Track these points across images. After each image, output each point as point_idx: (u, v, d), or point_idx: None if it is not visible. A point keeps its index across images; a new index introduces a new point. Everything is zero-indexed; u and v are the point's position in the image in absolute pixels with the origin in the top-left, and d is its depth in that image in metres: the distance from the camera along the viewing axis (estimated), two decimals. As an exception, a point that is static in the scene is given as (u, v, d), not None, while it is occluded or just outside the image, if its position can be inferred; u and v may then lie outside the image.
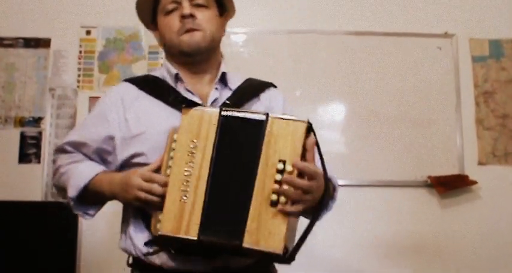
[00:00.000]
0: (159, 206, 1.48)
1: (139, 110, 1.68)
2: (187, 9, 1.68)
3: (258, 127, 1.48)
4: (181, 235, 1.44)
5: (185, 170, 1.47)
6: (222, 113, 1.50)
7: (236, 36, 3.70)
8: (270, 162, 1.45)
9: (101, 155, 1.72)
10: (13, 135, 3.54)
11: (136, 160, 1.62)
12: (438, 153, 3.63)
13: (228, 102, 1.67)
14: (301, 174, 1.42)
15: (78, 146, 1.73)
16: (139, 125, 1.64)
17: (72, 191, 1.63)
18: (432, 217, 3.60)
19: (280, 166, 1.44)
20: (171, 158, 1.50)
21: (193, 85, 1.74)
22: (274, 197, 1.43)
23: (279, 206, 1.41)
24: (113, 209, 3.38)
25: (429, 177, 3.57)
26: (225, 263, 1.57)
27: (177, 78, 1.73)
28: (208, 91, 1.73)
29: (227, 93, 1.74)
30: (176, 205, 1.46)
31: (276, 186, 1.42)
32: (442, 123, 3.67)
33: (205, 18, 1.72)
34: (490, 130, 3.69)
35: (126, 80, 1.80)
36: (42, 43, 3.64)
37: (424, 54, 3.73)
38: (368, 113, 3.64)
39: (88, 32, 3.66)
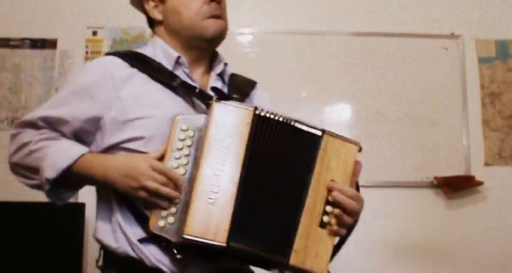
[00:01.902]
0: (165, 202, 1.36)
1: (135, 91, 1.50)
2: None
3: (311, 141, 1.43)
4: (209, 240, 1.32)
5: (215, 169, 1.36)
6: (257, 112, 1.41)
7: (242, 37, 3.71)
8: (321, 181, 1.41)
9: (79, 136, 1.53)
10: (19, 135, 3.53)
11: (130, 145, 1.47)
12: (444, 154, 3.63)
13: (235, 96, 1.53)
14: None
15: (54, 124, 1.51)
16: (138, 108, 1.48)
17: (51, 172, 1.40)
18: (438, 217, 3.60)
19: None
20: (178, 149, 1.38)
21: (191, 70, 1.62)
22: (325, 218, 1.40)
23: (332, 228, 1.40)
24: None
25: (435, 178, 3.57)
26: (223, 265, 1.47)
27: (178, 62, 1.60)
28: (205, 80, 1.63)
29: (224, 86, 1.66)
30: (203, 206, 1.34)
31: (329, 207, 1.41)
32: (448, 123, 3.67)
33: (225, 7, 1.64)
34: (496, 131, 3.68)
35: (112, 54, 1.59)
36: (48, 44, 3.64)
37: (430, 55, 3.73)
38: (374, 114, 3.64)
39: (94, 33, 3.66)
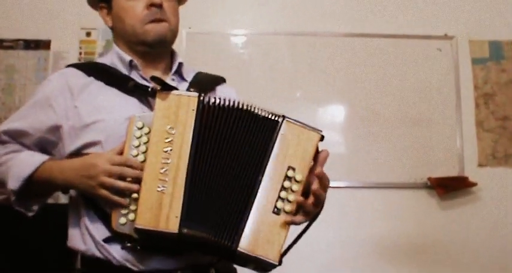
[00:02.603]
0: (127, 195, 1.37)
1: (91, 97, 1.54)
2: None
3: (269, 127, 1.43)
4: (161, 228, 1.32)
5: (162, 158, 1.36)
6: (201, 98, 1.43)
7: (236, 38, 3.71)
8: (278, 166, 1.40)
9: (43, 147, 1.57)
10: (13, 136, 3.53)
11: (89, 150, 1.48)
12: (438, 155, 3.63)
13: (192, 90, 1.54)
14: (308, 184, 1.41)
15: (17, 136, 1.56)
16: (93, 113, 1.51)
17: (14, 183, 1.46)
18: (432, 218, 3.60)
19: (290, 173, 1.40)
20: (135, 147, 1.39)
21: (147, 73, 1.63)
22: (279, 204, 1.38)
23: (285, 216, 1.38)
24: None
25: (429, 178, 3.57)
26: (191, 260, 1.47)
27: (131, 65, 1.63)
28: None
29: (184, 84, 1.66)
30: (153, 195, 1.34)
31: (284, 193, 1.39)
32: (442, 124, 3.67)
33: (171, 9, 1.63)
34: (490, 132, 3.69)
35: (70, 65, 1.66)
36: (42, 44, 3.64)
37: (424, 56, 3.73)
38: (368, 114, 3.64)
39: (88, 34, 3.66)
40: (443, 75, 3.72)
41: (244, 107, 1.44)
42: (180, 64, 1.70)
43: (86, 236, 1.48)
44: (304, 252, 3.41)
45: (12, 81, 3.60)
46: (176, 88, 1.47)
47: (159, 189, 1.34)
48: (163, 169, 1.35)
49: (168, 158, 1.36)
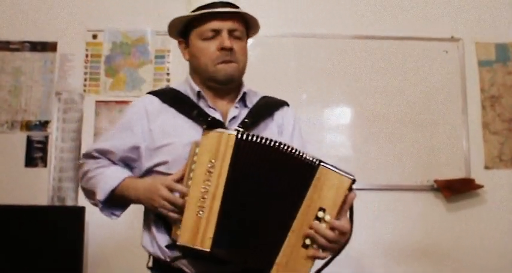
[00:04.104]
0: (179, 217, 1.58)
1: (163, 122, 1.80)
2: (228, 42, 1.76)
3: (306, 169, 1.58)
4: (197, 246, 1.53)
5: (202, 188, 1.55)
6: (239, 136, 1.57)
7: (242, 40, 3.70)
8: (312, 206, 1.57)
9: (126, 162, 1.85)
10: (19, 138, 3.54)
11: (159, 168, 1.76)
12: (444, 157, 3.63)
13: (246, 120, 1.77)
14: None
15: (105, 153, 1.85)
16: (164, 137, 1.77)
17: (101, 195, 1.76)
18: (438, 220, 3.60)
19: (321, 213, 1.57)
20: (192, 170, 1.58)
21: (215, 102, 1.85)
22: (308, 241, 1.56)
23: (312, 251, 1.56)
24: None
25: (435, 181, 3.57)
26: (236, 268, 1.64)
27: (199, 95, 1.84)
28: (228, 109, 1.85)
29: (245, 112, 1.85)
30: (193, 218, 1.55)
31: (312, 231, 1.56)
32: (448, 126, 3.67)
33: (240, 50, 1.82)
34: (496, 134, 3.68)
35: (149, 93, 1.92)
36: (48, 47, 3.64)
37: (431, 58, 3.73)
38: (374, 117, 3.64)
39: (94, 36, 3.66)
40: (449, 77, 3.72)
41: (283, 147, 1.58)
42: (244, 94, 1.89)
43: (153, 241, 1.77)
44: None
45: (19, 83, 3.60)
46: (222, 124, 1.69)
47: (199, 214, 1.55)
48: (203, 197, 1.56)
49: (207, 188, 1.56)
